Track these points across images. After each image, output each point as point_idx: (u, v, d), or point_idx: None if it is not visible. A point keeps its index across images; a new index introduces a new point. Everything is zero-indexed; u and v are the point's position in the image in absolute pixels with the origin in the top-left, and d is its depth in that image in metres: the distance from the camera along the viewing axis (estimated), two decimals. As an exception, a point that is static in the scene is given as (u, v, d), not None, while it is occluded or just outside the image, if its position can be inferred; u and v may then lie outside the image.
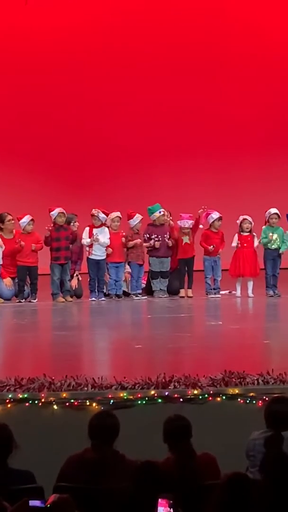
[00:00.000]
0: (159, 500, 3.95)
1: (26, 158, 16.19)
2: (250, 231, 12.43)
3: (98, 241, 12.12)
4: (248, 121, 16.53)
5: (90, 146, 16.28)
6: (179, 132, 16.44)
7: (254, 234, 12.43)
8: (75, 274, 12.46)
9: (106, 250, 12.22)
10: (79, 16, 16.34)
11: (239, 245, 12.35)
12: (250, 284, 12.35)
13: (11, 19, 16.14)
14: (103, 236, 12.20)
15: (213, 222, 12.47)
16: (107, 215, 12.34)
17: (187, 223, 12.41)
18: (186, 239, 12.44)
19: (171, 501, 4.00)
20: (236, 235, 12.40)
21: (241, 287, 12.39)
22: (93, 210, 12.31)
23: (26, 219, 12.20)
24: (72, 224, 12.42)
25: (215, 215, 12.48)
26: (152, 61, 16.37)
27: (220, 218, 12.47)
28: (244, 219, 12.39)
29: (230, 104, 16.46)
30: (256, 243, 12.37)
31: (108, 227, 12.33)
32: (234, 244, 12.36)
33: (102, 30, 16.33)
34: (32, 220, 12.19)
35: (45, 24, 16.21)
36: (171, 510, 3.96)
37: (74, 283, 12.41)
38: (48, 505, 3.98)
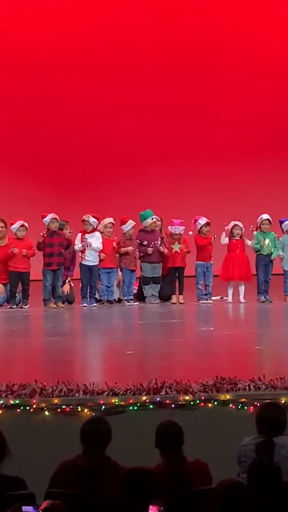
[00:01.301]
0: (150, 506, 3.95)
1: (21, 165, 16.22)
2: (240, 237, 12.45)
3: (91, 246, 12.11)
4: (240, 127, 16.57)
5: (84, 152, 16.31)
6: (172, 139, 16.48)
7: (244, 238, 12.45)
8: (67, 280, 12.45)
9: (99, 255, 12.21)
10: (78, 19, 16.35)
11: (227, 250, 12.36)
12: (242, 290, 12.37)
13: (10, 20, 16.13)
14: (95, 240, 12.20)
15: (201, 228, 12.48)
16: (98, 219, 12.34)
17: (178, 229, 12.43)
18: (176, 247, 12.44)
19: (161, 508, 3.99)
20: (224, 233, 12.41)
21: (232, 293, 12.41)
22: (84, 215, 12.32)
23: (16, 225, 12.19)
24: (63, 230, 12.42)
25: (202, 220, 12.50)
26: (148, 68, 16.41)
27: (207, 224, 12.47)
28: (235, 224, 12.42)
29: (222, 111, 16.49)
30: (248, 242, 12.37)
31: (101, 232, 12.33)
32: (223, 241, 12.35)
33: (100, 33, 16.33)
34: (23, 226, 12.17)
35: (42, 26, 16.21)
36: None
37: (66, 288, 12.40)
38: (40, 511, 3.97)
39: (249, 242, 12.38)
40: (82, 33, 16.27)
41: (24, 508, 3.97)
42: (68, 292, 12.44)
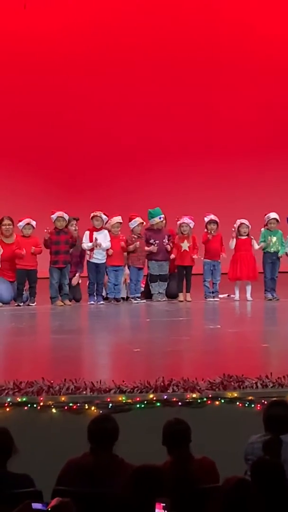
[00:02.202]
0: (156, 504, 3.95)
1: (27, 164, 16.25)
2: (247, 235, 12.43)
3: (101, 246, 12.10)
4: (243, 126, 16.57)
5: (88, 152, 16.35)
6: (175, 138, 16.48)
7: (251, 237, 12.44)
8: (77, 274, 12.43)
9: (108, 251, 12.19)
10: (79, 19, 16.36)
11: (235, 249, 12.35)
12: (249, 288, 12.36)
13: (13, 21, 16.15)
14: (104, 238, 12.19)
15: (206, 225, 12.46)
16: (107, 217, 12.35)
17: (189, 224, 12.36)
18: (185, 246, 12.43)
19: (165, 504, 3.99)
20: (234, 239, 12.40)
21: (239, 291, 12.40)
22: (95, 212, 12.30)
23: (23, 223, 12.20)
24: (69, 227, 12.42)
25: (206, 218, 12.49)
26: (151, 66, 16.42)
27: (211, 222, 12.42)
28: (242, 223, 12.40)
29: (228, 109, 16.50)
30: (256, 246, 12.37)
31: (108, 230, 12.33)
32: (232, 246, 12.36)
33: (103, 34, 16.34)
34: (29, 224, 12.17)
35: (45, 27, 16.23)
36: None
37: (75, 281, 12.38)
38: (50, 509, 3.98)
39: (256, 246, 12.35)
40: (85, 33, 16.30)
41: (34, 505, 3.98)
42: (80, 282, 12.38)
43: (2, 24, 16.24)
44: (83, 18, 16.37)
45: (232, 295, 12.52)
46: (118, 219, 12.45)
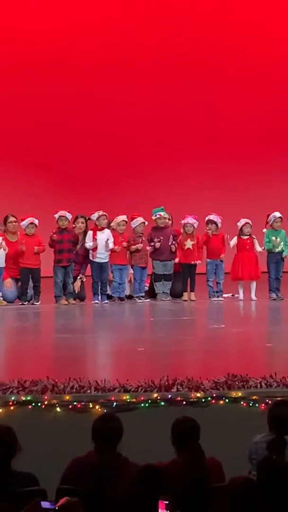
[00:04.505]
0: (159, 502, 3.96)
1: (35, 163, 16.24)
2: (249, 235, 12.42)
3: (110, 247, 12.10)
4: (250, 125, 16.56)
5: (96, 150, 16.34)
6: (182, 137, 16.48)
7: (253, 237, 12.42)
8: (79, 277, 12.45)
9: (114, 248, 12.19)
10: (87, 15, 16.36)
11: (237, 249, 12.33)
12: (253, 287, 12.35)
13: (18, 21, 16.16)
14: (106, 237, 12.18)
15: (207, 225, 12.47)
16: (106, 217, 12.36)
17: (194, 224, 12.36)
18: (188, 244, 12.43)
19: (168, 503, 4.00)
20: (235, 237, 12.39)
21: (243, 290, 12.39)
22: (98, 211, 12.30)
23: (26, 222, 12.21)
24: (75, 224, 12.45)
25: (207, 217, 12.50)
26: (153, 66, 16.41)
27: (209, 221, 12.43)
28: (246, 222, 12.39)
29: (233, 109, 16.47)
30: (258, 248, 12.36)
31: (113, 230, 12.33)
32: (232, 243, 12.33)
33: (102, 31, 16.33)
34: (32, 223, 12.18)
35: (49, 25, 16.23)
36: None
37: (77, 285, 12.41)
38: (57, 508, 3.99)
39: (259, 248, 12.34)
40: (89, 32, 16.26)
41: (42, 504, 4.00)
42: (79, 290, 12.44)
43: (6, 23, 16.23)
44: (85, 15, 16.35)
45: (236, 295, 12.51)
46: (123, 217, 12.46)
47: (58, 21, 16.29)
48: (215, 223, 12.47)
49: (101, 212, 12.30)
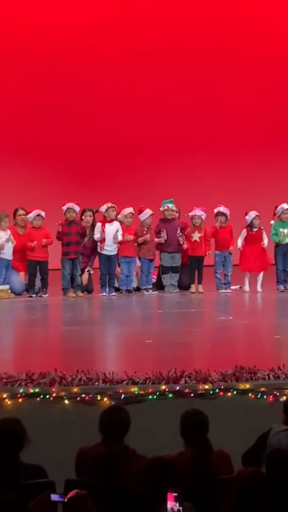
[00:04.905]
0: (168, 494, 3.96)
1: (40, 155, 16.22)
2: (258, 227, 12.40)
3: (119, 239, 12.09)
4: (257, 116, 16.50)
5: (103, 142, 16.31)
6: (189, 129, 16.44)
7: (262, 228, 12.40)
8: (86, 269, 12.45)
9: (125, 237, 12.18)
10: (95, 9, 16.32)
11: (244, 243, 12.30)
12: (259, 279, 12.32)
13: (16, 17, 16.15)
14: (115, 230, 12.18)
15: (215, 216, 12.46)
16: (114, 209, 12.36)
17: (201, 216, 12.35)
18: (196, 236, 12.42)
19: (176, 495, 4.01)
20: (245, 230, 12.35)
21: (250, 282, 12.36)
22: (107, 203, 12.31)
23: (32, 214, 12.22)
24: (83, 217, 12.46)
25: (216, 209, 12.49)
26: (159, 59, 16.36)
27: (219, 213, 12.41)
28: (256, 215, 12.34)
29: (237, 101, 16.43)
30: (266, 241, 12.33)
31: (120, 222, 12.33)
32: (239, 243, 12.30)
33: (105, 27, 16.30)
34: (39, 215, 12.19)
35: (57, 19, 16.21)
36: (177, 504, 3.97)
37: (85, 278, 12.41)
38: (66, 500, 4.00)
39: (266, 241, 12.31)
40: (93, 29, 16.23)
41: (52, 496, 4.02)
42: (87, 282, 12.45)
43: (8, 18, 16.21)
44: (88, 12, 16.32)
45: (243, 287, 12.49)
46: (130, 210, 12.45)
47: (59, 19, 16.25)
48: (225, 215, 12.46)
49: (109, 204, 12.30)
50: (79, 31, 16.26)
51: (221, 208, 12.49)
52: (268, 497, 4.05)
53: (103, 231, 12.19)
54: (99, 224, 12.30)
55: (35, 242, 12.05)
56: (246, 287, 12.36)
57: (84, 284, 12.39)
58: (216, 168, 16.38)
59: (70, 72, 16.26)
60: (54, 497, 4.05)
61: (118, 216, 12.38)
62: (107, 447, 5.01)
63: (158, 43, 16.34)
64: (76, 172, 16.25)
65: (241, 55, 16.45)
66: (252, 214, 12.37)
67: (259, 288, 12.27)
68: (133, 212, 12.45)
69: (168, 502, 3.91)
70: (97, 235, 12.25)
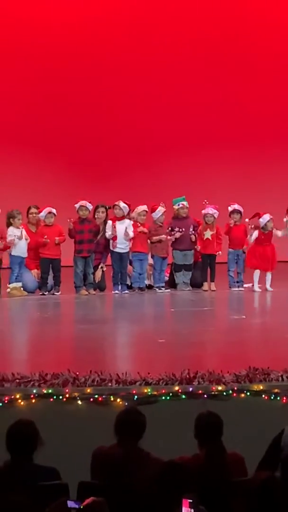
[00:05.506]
0: (183, 500, 3.96)
1: (53, 153, 16.24)
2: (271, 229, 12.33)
3: (130, 236, 12.08)
4: (269, 112, 16.45)
5: (115, 140, 16.31)
6: (202, 125, 16.41)
7: (274, 229, 12.32)
8: (100, 266, 12.44)
9: (139, 228, 12.16)
10: (85, 9, 16.33)
11: (256, 241, 12.23)
12: (268, 278, 12.26)
13: (16, 8, 16.17)
14: (127, 227, 12.17)
15: (230, 214, 12.42)
16: (129, 206, 12.33)
17: (214, 214, 12.31)
18: (208, 234, 12.39)
19: (191, 501, 4.00)
20: (257, 232, 12.26)
21: (259, 280, 12.27)
22: (117, 202, 12.33)
23: (44, 212, 12.23)
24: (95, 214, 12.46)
25: (230, 207, 12.46)
26: (168, 53, 16.32)
27: (234, 211, 12.38)
28: (270, 218, 12.23)
29: (249, 95, 16.38)
30: (279, 234, 12.27)
31: (134, 220, 12.31)
32: (251, 240, 12.25)
33: (109, 20, 16.29)
34: (50, 213, 12.19)
35: (49, 15, 16.20)
36: (192, 510, 3.96)
37: (98, 275, 12.41)
38: (83, 507, 3.99)
39: (279, 234, 12.26)
40: (101, 21, 16.23)
41: (68, 503, 4.01)
42: (99, 279, 12.45)
43: (9, 12, 16.22)
44: (90, 7, 16.31)
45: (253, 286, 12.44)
46: (144, 207, 12.45)
47: (62, 13, 16.25)
48: (240, 213, 12.42)
49: (117, 202, 12.29)
50: (82, 25, 16.23)
51: (236, 206, 12.45)
52: (284, 502, 4.04)
53: (114, 228, 12.18)
54: (110, 222, 12.29)
55: (45, 236, 12.04)
56: (255, 285, 12.24)
57: (97, 281, 12.39)
58: (226, 164, 16.33)
59: (81, 71, 16.24)
60: (71, 503, 4.04)
61: (132, 214, 12.37)
62: (123, 449, 5.00)
63: (164, 38, 16.31)
64: (87, 169, 16.24)
65: (248, 49, 16.39)
66: (266, 217, 12.21)
67: (268, 287, 12.21)
68: (147, 210, 12.44)
69: (183, 509, 3.90)
70: (108, 233, 12.25)
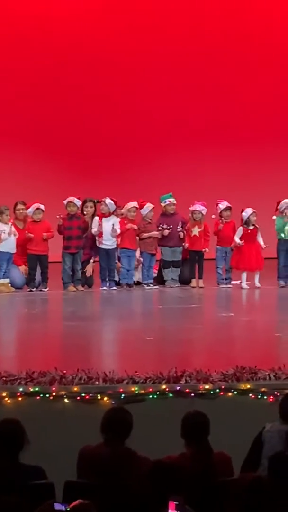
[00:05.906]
0: (169, 503, 3.94)
1: (44, 148, 16.16)
2: (254, 224, 12.32)
3: (117, 232, 12.06)
4: (259, 110, 16.42)
5: (104, 136, 16.24)
6: (194, 122, 16.35)
7: (257, 226, 12.32)
8: (91, 260, 12.42)
9: (128, 225, 12.15)
10: (85, 4, 16.29)
11: (242, 242, 12.22)
12: (256, 275, 12.25)
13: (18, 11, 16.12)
14: (114, 223, 12.14)
15: (221, 212, 12.42)
16: (115, 203, 12.30)
17: (202, 211, 12.31)
18: (195, 231, 12.38)
19: (178, 502, 3.98)
20: (241, 228, 12.27)
21: (247, 278, 12.26)
22: (105, 198, 12.30)
23: (32, 208, 12.19)
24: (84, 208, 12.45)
25: (222, 205, 12.44)
26: (168, 47, 16.27)
27: (227, 208, 12.40)
28: (253, 212, 12.27)
29: (240, 95, 16.35)
30: (261, 242, 12.26)
31: (123, 216, 12.30)
32: (237, 240, 12.24)
33: (109, 19, 16.24)
34: (38, 209, 12.15)
35: (49, 9, 16.14)
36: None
37: (89, 270, 12.38)
38: (70, 509, 3.97)
39: (262, 242, 12.24)
40: (101, 18, 16.18)
41: (55, 505, 3.99)
42: (91, 274, 12.40)
43: (11, 13, 16.17)
44: (91, 3, 16.26)
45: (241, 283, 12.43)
46: (134, 203, 12.42)
47: (63, 7, 16.20)
48: (230, 210, 12.42)
49: (104, 198, 12.27)
50: (82, 25, 16.18)
51: (226, 203, 12.43)
52: (273, 502, 4.04)
53: (100, 225, 12.15)
54: (96, 218, 12.26)
55: (26, 232, 11.99)
56: (244, 283, 12.22)
57: (88, 276, 12.35)
58: (216, 163, 16.30)
59: (74, 64, 16.18)
60: (57, 506, 4.01)
61: (122, 210, 12.35)
62: (110, 448, 4.99)
63: (163, 35, 16.25)
64: (76, 164, 16.18)
65: (246, 47, 16.37)
66: (249, 210, 12.25)
67: (257, 283, 12.20)
68: (137, 206, 12.41)
69: (170, 511, 3.88)
70: (94, 229, 12.22)
